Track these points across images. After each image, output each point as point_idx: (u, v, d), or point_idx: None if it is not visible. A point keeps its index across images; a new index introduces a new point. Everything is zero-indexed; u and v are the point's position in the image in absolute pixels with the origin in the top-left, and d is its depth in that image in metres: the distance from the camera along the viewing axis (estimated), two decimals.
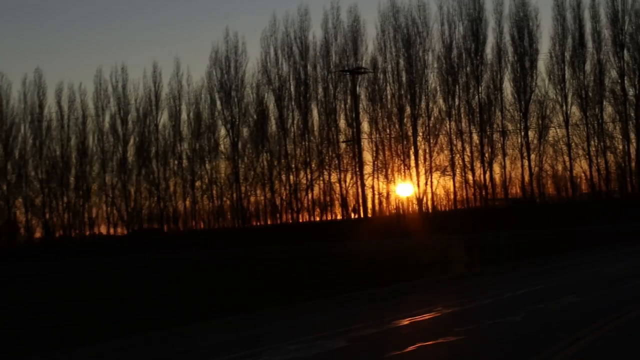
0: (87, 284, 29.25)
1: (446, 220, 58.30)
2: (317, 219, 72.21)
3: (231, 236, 67.72)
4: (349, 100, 67.99)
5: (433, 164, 65.78)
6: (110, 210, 78.39)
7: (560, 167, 61.51)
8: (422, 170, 65.99)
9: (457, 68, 63.87)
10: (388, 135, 66.90)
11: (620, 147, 58.95)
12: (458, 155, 64.52)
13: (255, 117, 71.88)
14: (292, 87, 70.02)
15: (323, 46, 68.30)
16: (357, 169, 68.44)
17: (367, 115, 67.65)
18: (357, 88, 67.07)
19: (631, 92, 58.30)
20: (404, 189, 67.64)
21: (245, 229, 72.18)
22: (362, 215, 68.25)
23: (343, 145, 69.06)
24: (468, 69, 63.59)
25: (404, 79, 65.73)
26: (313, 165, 70.42)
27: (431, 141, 65.44)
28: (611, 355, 8.89)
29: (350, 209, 68.18)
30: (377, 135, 67.22)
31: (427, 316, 12.83)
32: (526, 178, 62.33)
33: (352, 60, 67.19)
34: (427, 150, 65.55)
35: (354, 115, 67.43)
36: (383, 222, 64.02)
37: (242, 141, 72.53)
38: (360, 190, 68.90)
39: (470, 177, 64.20)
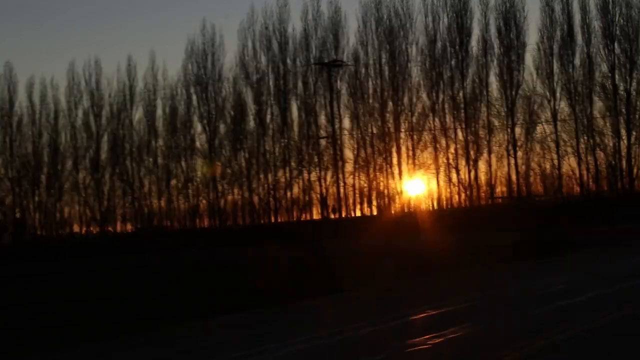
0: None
1: (432, 221, 55.84)
2: (304, 219, 69.35)
3: (206, 237, 65.08)
4: (329, 95, 65.19)
5: (416, 162, 63.20)
6: (83, 209, 75.66)
7: (548, 166, 58.88)
8: (405, 168, 63.47)
9: (442, 62, 61.21)
10: (370, 132, 64.29)
11: (611, 144, 56.37)
12: (442, 153, 61.86)
13: (232, 113, 69.10)
14: (271, 81, 67.37)
15: (303, 39, 65.66)
16: (339, 167, 65.78)
17: (348, 111, 65.11)
18: (338, 82, 64.44)
19: (622, 86, 55.70)
20: (414, 187, 64.21)
21: (221, 229, 69.38)
22: (342, 215, 65.62)
23: (323, 143, 66.28)
24: (453, 62, 60.97)
25: (386, 73, 63.17)
26: (292, 164, 67.75)
27: (414, 138, 62.84)
28: None
29: (330, 208, 65.31)
30: (359, 132, 64.62)
31: None
32: (513, 177, 59.74)
33: (333, 53, 64.43)
34: (411, 148, 62.98)
35: (332, 111, 64.88)
36: (364, 221, 61.38)
37: (219, 138, 69.79)
38: (342, 189, 66.32)
39: (454, 175, 61.48)
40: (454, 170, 61.19)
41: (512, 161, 59.22)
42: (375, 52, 63.29)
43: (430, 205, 66.38)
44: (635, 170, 55.69)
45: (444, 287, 18.41)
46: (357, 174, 65.72)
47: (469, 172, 60.67)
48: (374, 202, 65.85)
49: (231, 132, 69.15)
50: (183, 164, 71.09)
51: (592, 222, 43.14)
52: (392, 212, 63.41)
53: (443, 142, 61.69)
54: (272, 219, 68.18)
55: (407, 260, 25.59)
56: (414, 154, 62.79)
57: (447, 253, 28.07)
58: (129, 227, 74.80)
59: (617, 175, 56.45)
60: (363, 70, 63.72)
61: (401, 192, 63.66)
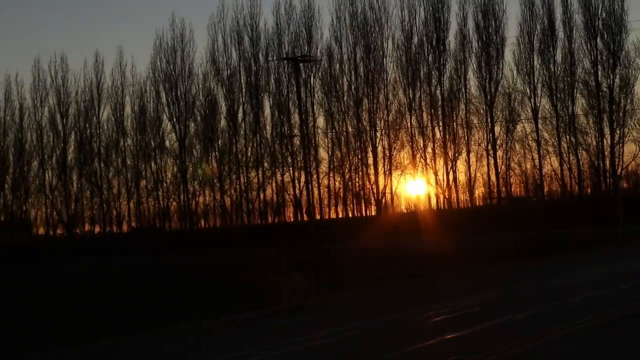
0: None
1: (408, 223, 53.40)
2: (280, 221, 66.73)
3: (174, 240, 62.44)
4: (303, 93, 62.59)
5: (393, 162, 60.69)
6: (50, 212, 72.82)
7: (528, 165, 56.45)
8: (381, 168, 60.92)
9: (418, 57, 58.73)
10: (344, 131, 61.70)
11: (594, 143, 53.91)
12: (420, 153, 59.33)
13: (203, 111, 66.42)
14: (242, 78, 64.71)
15: (275, 34, 63.03)
16: (313, 167, 63.21)
17: (322, 109, 62.55)
18: (312, 79, 62.08)
19: (605, 83, 53.26)
20: (416, 187, 61.20)
21: (192, 231, 66.66)
22: (317, 218, 63.10)
23: (297, 142, 63.69)
24: (430, 58, 58.49)
25: (361, 69, 60.57)
26: (265, 164, 65.13)
27: (391, 137, 60.34)
28: None
29: (304, 210, 62.69)
30: (333, 131, 62.04)
31: None
32: (492, 177, 57.26)
33: (306, 49, 61.85)
34: (387, 147, 60.44)
35: (307, 109, 62.34)
36: (341, 224, 58.86)
37: (189, 137, 67.09)
38: (316, 190, 63.83)
39: (432, 176, 58.99)
40: (431, 171, 58.75)
41: (492, 161, 56.82)
42: (349, 47, 60.81)
43: (409, 207, 64.03)
44: (619, 171, 53.29)
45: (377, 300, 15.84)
46: (331, 175, 63.27)
47: (447, 172, 58.25)
48: (349, 204, 63.24)
49: (202, 131, 66.53)
50: (153, 164, 68.48)
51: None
52: (369, 214, 60.96)
53: (420, 141, 59.24)
54: (245, 221, 65.50)
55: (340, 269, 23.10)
56: (390, 154, 60.35)
57: (402, 261, 25.61)
58: (97, 229, 72.03)
59: (601, 175, 54.04)
60: (337, 67, 61.26)
61: (378, 193, 61.04)
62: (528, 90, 55.39)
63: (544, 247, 29.56)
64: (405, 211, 62.63)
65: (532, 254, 26.47)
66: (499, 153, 56.87)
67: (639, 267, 20.77)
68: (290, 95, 63.25)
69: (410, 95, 58.97)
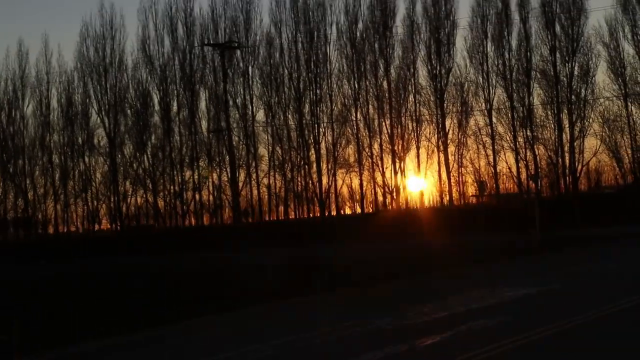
0: None
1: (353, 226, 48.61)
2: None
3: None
4: (241, 84, 57.58)
5: (338, 160, 55.70)
6: None
7: (482, 163, 51.65)
8: (325, 167, 55.93)
9: (364, 45, 53.89)
10: (285, 127, 56.64)
11: (552, 137, 49.28)
12: (366, 149, 54.41)
13: (134, 104, 60.95)
14: (176, 68, 59.40)
15: (210, 20, 57.89)
16: (252, 165, 58.14)
17: (261, 102, 57.41)
18: (250, 69, 57.00)
19: (563, 71, 48.73)
20: (416, 184, 55.41)
21: (124, 235, 61.13)
22: (255, 219, 58.03)
23: (236, 139, 58.48)
24: (376, 46, 53.68)
25: (302, 58, 55.52)
26: (201, 163, 59.76)
27: (335, 132, 55.39)
28: None
29: (241, 211, 57.41)
30: (273, 126, 56.91)
31: None
32: (443, 176, 52.45)
33: (244, 36, 56.82)
34: (332, 143, 55.44)
35: (245, 102, 57.32)
36: (285, 226, 53.87)
37: (120, 133, 61.52)
38: (256, 190, 58.66)
39: (379, 174, 54.10)
40: (378, 169, 53.87)
41: (442, 157, 52.04)
42: (290, 34, 55.81)
43: (356, 208, 59.03)
44: (579, 167, 48.76)
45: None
46: (271, 173, 58.12)
47: (395, 170, 53.35)
48: (291, 205, 58.05)
49: (134, 126, 61.04)
50: (81, 162, 62.83)
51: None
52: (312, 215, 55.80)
53: (367, 136, 54.33)
54: (180, 223, 60.08)
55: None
56: (334, 151, 55.34)
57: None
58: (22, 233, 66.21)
59: (559, 172, 49.43)
60: (277, 55, 56.20)
61: (322, 193, 55.94)
62: (481, 80, 50.86)
63: (417, 262, 24.22)
64: (350, 213, 57.69)
65: (388, 277, 19.96)
66: (451, 149, 52.20)
67: (510, 295, 14.56)
68: (227, 87, 57.99)
69: (356, 87, 54.23)
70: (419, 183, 53.73)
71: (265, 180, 58.59)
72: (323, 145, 55.76)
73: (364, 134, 54.29)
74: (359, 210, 56.33)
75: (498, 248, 27.24)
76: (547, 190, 50.64)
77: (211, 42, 57.02)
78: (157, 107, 60.31)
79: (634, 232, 31.46)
